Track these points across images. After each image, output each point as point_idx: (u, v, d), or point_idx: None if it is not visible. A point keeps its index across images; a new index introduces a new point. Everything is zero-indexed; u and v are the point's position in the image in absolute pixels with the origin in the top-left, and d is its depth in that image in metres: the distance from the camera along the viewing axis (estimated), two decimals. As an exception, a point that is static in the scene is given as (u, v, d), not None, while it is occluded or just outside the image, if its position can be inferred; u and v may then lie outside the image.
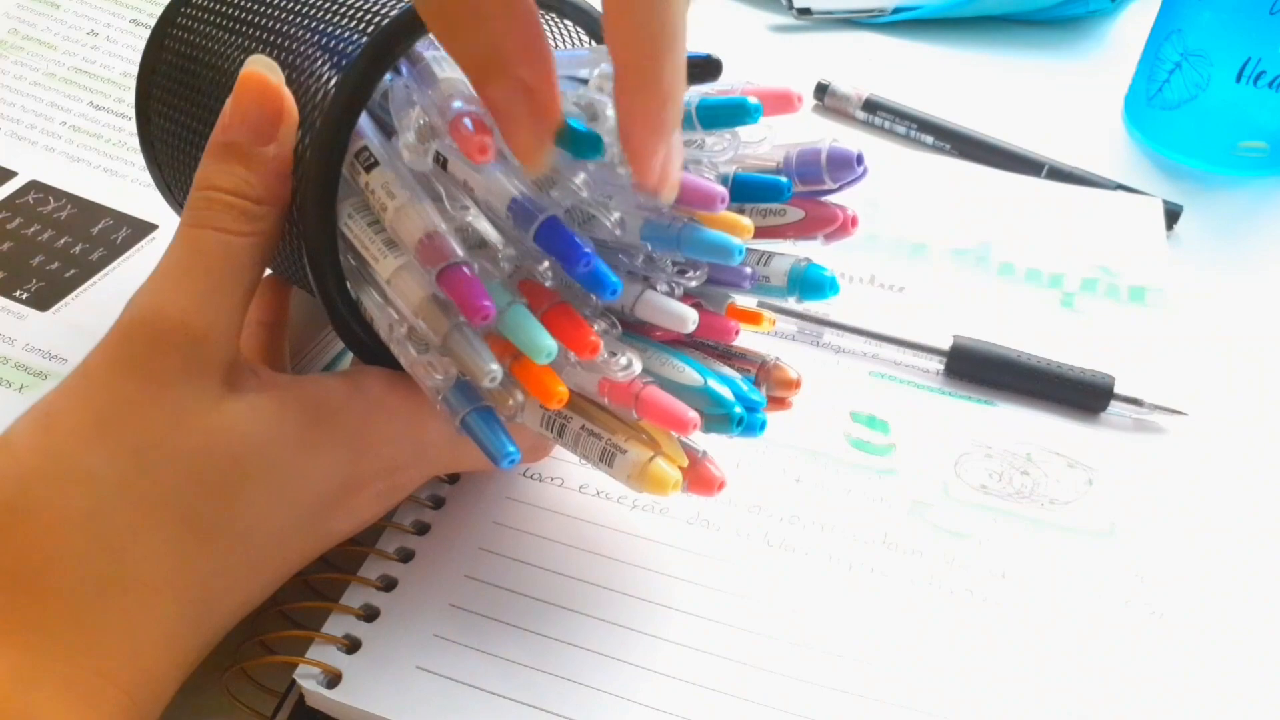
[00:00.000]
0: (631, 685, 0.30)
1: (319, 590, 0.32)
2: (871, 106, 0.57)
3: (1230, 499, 0.37)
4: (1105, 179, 0.52)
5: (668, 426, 0.27)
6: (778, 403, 0.31)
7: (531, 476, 0.36)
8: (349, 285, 0.29)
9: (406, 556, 0.33)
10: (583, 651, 0.31)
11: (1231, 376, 0.43)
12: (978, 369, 0.41)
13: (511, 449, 0.26)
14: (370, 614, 0.31)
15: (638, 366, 0.27)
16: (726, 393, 0.27)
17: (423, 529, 0.34)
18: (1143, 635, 0.32)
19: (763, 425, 0.28)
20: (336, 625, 0.31)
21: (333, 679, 0.30)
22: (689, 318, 0.27)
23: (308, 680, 0.29)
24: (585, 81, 0.27)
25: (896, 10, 0.64)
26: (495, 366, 0.25)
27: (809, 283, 0.29)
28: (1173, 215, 0.50)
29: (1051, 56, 0.62)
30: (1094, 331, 0.43)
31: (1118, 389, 0.40)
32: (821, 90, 0.58)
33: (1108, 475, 0.38)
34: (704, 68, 0.26)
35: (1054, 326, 0.43)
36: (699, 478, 0.28)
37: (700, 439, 0.28)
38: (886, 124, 0.57)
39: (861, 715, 0.30)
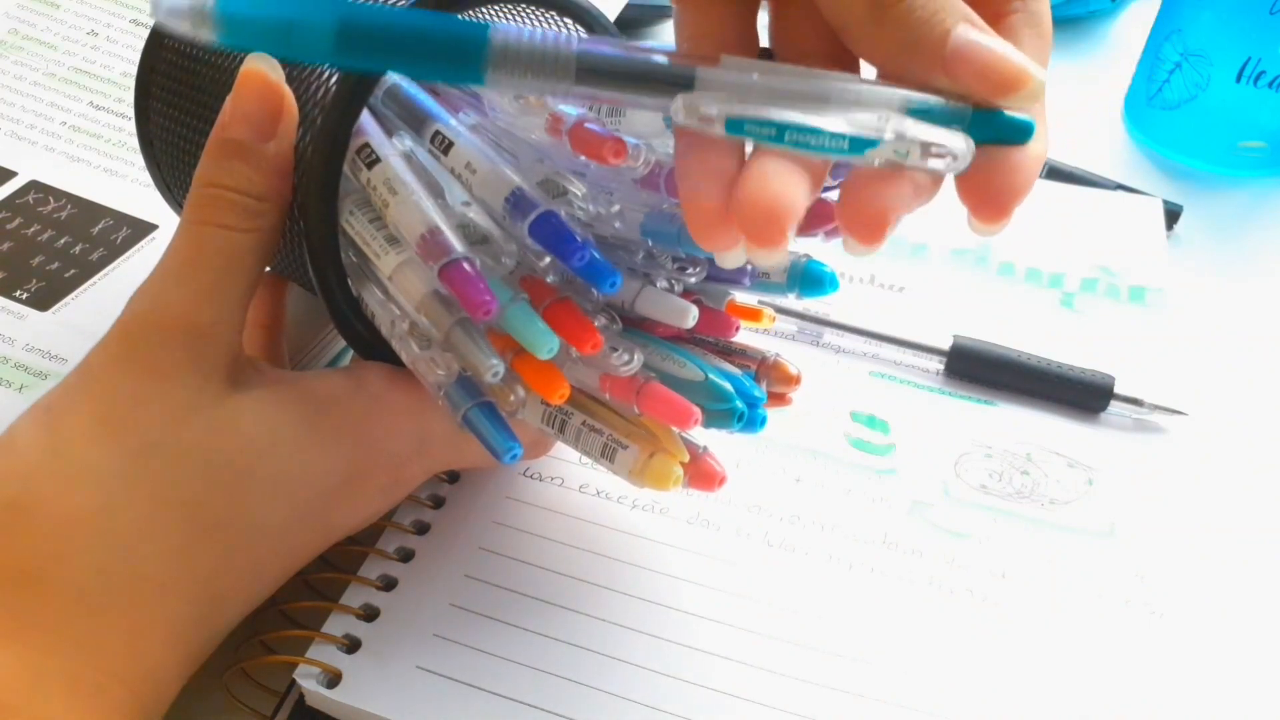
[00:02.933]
0: (631, 685, 0.30)
1: (319, 590, 0.32)
2: (871, 107, 0.57)
3: (1230, 499, 0.37)
4: (1105, 179, 0.52)
5: (669, 421, 0.27)
6: (778, 399, 0.31)
7: (532, 476, 0.36)
8: (350, 282, 0.29)
9: (406, 556, 0.33)
10: (583, 651, 0.31)
11: (1231, 376, 0.43)
12: (978, 369, 0.41)
13: (513, 444, 0.26)
14: (370, 614, 0.31)
15: (639, 361, 0.27)
16: (728, 388, 0.28)
17: (423, 529, 0.34)
18: (1143, 635, 0.32)
19: (763, 421, 0.28)
20: (336, 625, 0.31)
21: (333, 679, 0.30)
22: (689, 312, 0.27)
23: (308, 680, 0.29)
24: None
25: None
26: (497, 362, 0.25)
27: (809, 279, 0.29)
28: (1173, 215, 0.50)
29: (1051, 56, 0.62)
30: (1094, 331, 0.43)
31: (1118, 389, 0.40)
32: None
33: (1108, 475, 0.38)
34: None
35: (1054, 326, 0.43)
36: (700, 473, 0.28)
37: (700, 435, 0.28)
38: (886, 124, 0.57)
39: (861, 715, 0.30)
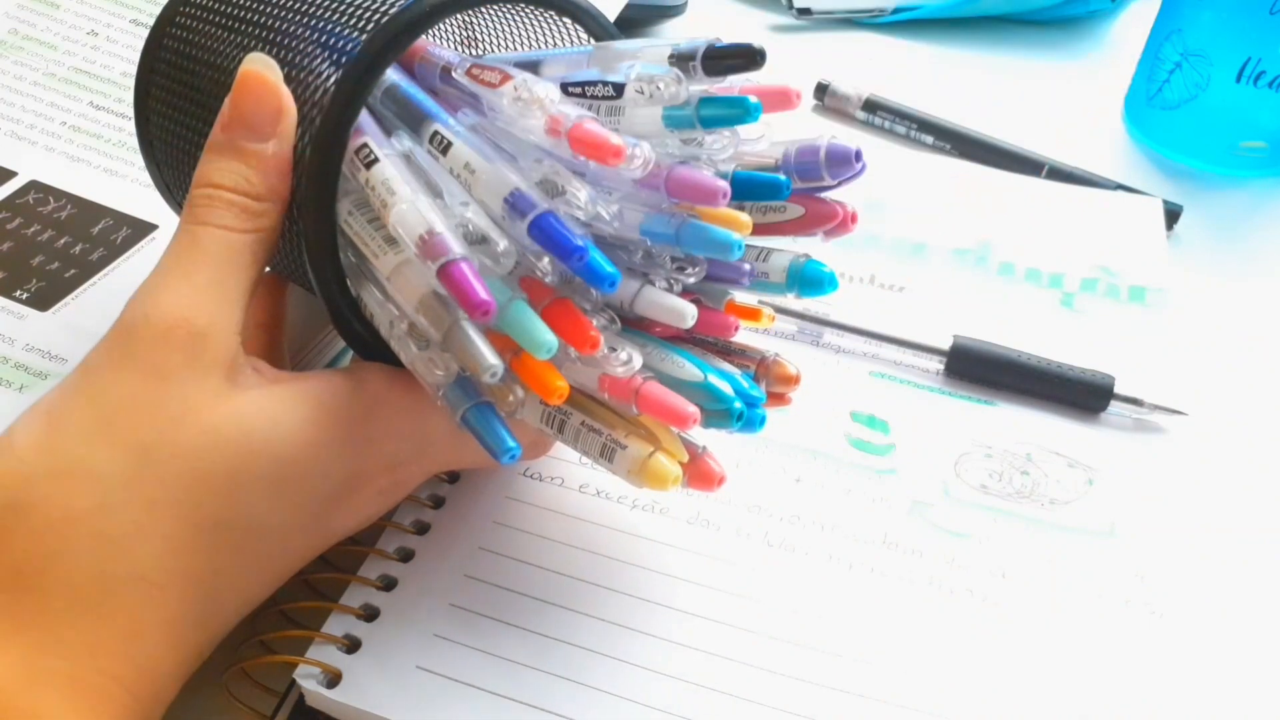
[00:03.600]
0: (631, 685, 0.30)
1: (319, 590, 0.32)
2: (871, 106, 0.57)
3: (1230, 499, 0.37)
4: (1105, 179, 0.52)
5: (668, 421, 0.27)
6: (777, 399, 0.31)
7: (531, 476, 0.36)
8: (349, 282, 0.29)
9: (406, 556, 0.33)
10: (583, 651, 0.31)
11: (1231, 376, 0.43)
12: (978, 369, 0.41)
13: (512, 444, 0.26)
14: (370, 614, 0.31)
15: (638, 361, 0.27)
16: (726, 388, 0.27)
17: (423, 529, 0.34)
18: (1143, 635, 0.32)
19: (762, 421, 0.28)
20: (336, 625, 0.31)
21: (333, 679, 0.30)
22: (688, 313, 0.27)
23: (308, 680, 0.29)
24: (617, 85, 0.27)
25: (896, 10, 0.64)
26: (496, 362, 0.25)
27: (807, 279, 0.29)
28: (1173, 215, 0.50)
29: (1051, 56, 0.62)
30: (1094, 331, 0.43)
31: (1118, 389, 0.40)
32: (821, 90, 0.58)
33: (1108, 475, 0.38)
34: (746, 57, 0.26)
35: (1054, 326, 0.43)
36: (699, 473, 0.28)
37: (700, 435, 0.28)
38: (886, 124, 0.57)
39: (861, 715, 0.30)
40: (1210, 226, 0.51)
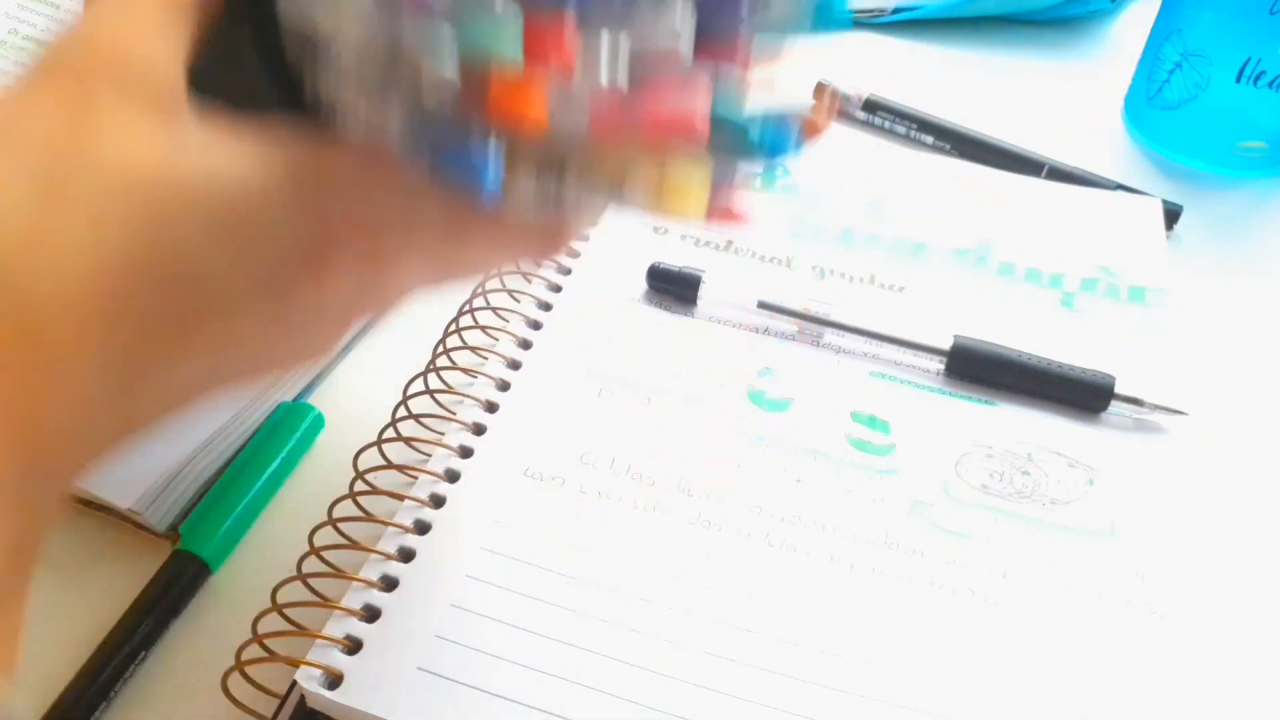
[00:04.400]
0: (632, 685, 0.30)
1: (319, 591, 0.32)
2: (871, 106, 0.57)
3: (1230, 499, 0.37)
4: (1105, 179, 0.52)
5: (674, 131, 0.23)
6: (810, 127, 0.26)
7: (532, 476, 0.36)
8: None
9: (407, 556, 0.33)
10: (584, 651, 0.31)
11: (1231, 376, 0.43)
12: (978, 369, 0.41)
13: (490, 173, 0.22)
14: (371, 614, 0.31)
15: (625, 47, 0.22)
16: (737, 105, 0.23)
17: (423, 528, 0.34)
18: (1143, 635, 0.32)
19: (789, 143, 0.24)
20: (337, 626, 0.31)
21: (334, 680, 0.30)
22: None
23: (309, 681, 0.29)
24: None
25: (896, 10, 0.64)
26: (450, 63, 0.21)
27: (820, 10, 0.25)
28: (1173, 215, 0.50)
29: (1051, 56, 0.62)
30: (1094, 331, 0.43)
31: (1118, 389, 0.40)
32: (822, 90, 0.58)
33: (1108, 475, 0.38)
34: None
35: (1054, 326, 0.43)
36: (721, 207, 0.24)
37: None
38: (886, 124, 0.57)
39: (861, 715, 0.30)
40: (1210, 226, 0.51)
